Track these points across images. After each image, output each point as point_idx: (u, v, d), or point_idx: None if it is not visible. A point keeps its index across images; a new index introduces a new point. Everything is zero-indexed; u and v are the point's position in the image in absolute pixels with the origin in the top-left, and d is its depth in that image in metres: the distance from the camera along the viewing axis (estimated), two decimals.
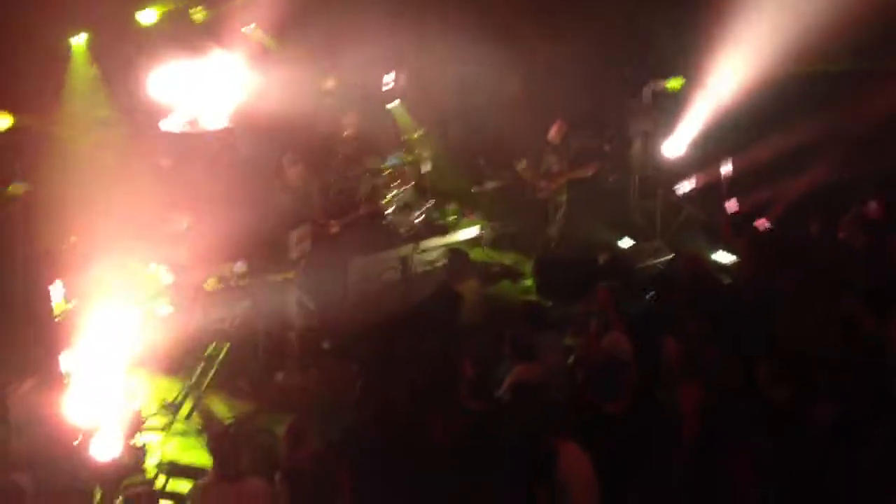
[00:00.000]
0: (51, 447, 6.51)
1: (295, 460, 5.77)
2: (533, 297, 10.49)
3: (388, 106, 12.98)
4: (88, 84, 10.62)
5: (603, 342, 7.27)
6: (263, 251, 9.38)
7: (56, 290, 7.85)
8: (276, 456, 6.55)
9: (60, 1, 10.05)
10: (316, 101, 12.24)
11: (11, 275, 6.51)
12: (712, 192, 11.85)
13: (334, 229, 10.77)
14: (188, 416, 8.18)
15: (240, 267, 9.05)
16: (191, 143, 11.05)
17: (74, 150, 10.24)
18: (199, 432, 7.85)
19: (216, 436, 5.86)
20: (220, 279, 8.79)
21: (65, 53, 10.55)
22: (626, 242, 11.90)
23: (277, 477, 5.76)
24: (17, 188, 8.33)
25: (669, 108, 12.34)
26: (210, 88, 11.22)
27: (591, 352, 7.36)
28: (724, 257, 10.76)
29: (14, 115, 9.41)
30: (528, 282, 11.18)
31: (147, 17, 10.71)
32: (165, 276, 8.46)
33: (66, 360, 7.34)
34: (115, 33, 10.45)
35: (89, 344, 7.33)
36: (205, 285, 8.71)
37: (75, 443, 6.59)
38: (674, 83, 12.03)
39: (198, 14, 11.16)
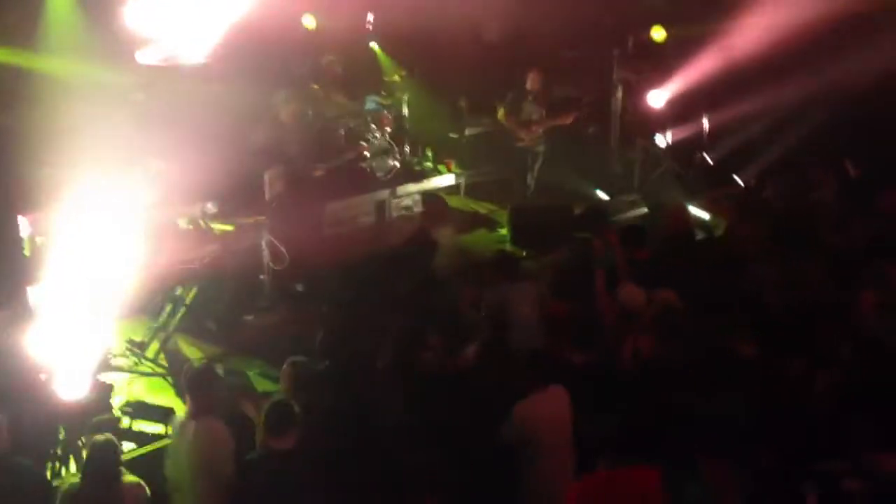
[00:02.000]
0: (18, 381, 6.47)
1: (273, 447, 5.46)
2: (507, 246, 10.49)
3: (371, 45, 12.83)
4: (65, 12, 10.35)
5: (619, 295, 7.21)
6: (236, 191, 9.30)
7: (25, 224, 7.75)
8: (246, 397, 6.58)
9: None
10: (296, 39, 12.01)
11: None
12: (692, 144, 11.89)
13: (318, 172, 10.68)
14: (155, 357, 8.16)
15: (210, 207, 8.95)
16: (166, 77, 10.83)
17: (48, 81, 10.01)
18: (166, 373, 7.85)
19: (192, 372, 5.81)
20: (191, 219, 8.69)
21: None
22: (603, 194, 11.90)
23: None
24: None
25: (652, 59, 12.25)
26: (188, 20, 10.98)
27: (604, 306, 7.28)
28: (701, 212, 10.80)
29: None
30: (504, 231, 11.17)
31: None
32: (135, 214, 8.33)
33: (35, 295, 7.28)
34: None
35: (57, 279, 7.26)
36: (176, 224, 8.61)
37: (42, 378, 6.56)
38: (657, 33, 11.90)
39: None
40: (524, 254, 10.13)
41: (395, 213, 11.31)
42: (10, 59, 9.58)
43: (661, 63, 12.03)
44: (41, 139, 8.80)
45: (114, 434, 5.40)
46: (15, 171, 7.45)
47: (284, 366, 6.10)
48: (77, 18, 10.31)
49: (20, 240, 6.90)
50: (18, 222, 7.32)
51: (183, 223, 8.69)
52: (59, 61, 9.99)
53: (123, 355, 7.95)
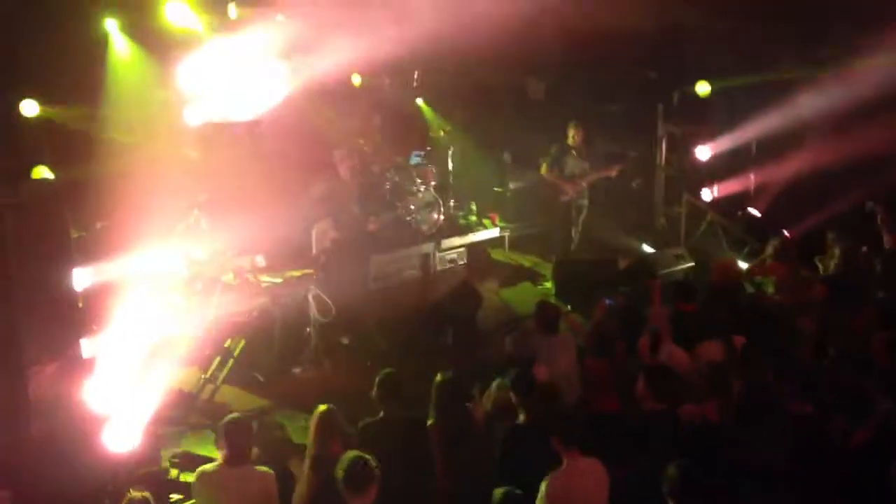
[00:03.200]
0: (69, 432, 6.58)
1: (324, 449, 5.75)
2: (551, 299, 10.48)
3: (417, 102, 13.05)
4: (125, 71, 10.69)
5: (663, 357, 7.19)
6: (284, 245, 9.44)
7: (80, 276, 7.93)
8: (285, 451, 6.60)
9: None
10: (345, 97, 12.24)
11: (36, 259, 6.57)
12: (738, 197, 11.86)
13: (372, 226, 10.82)
14: (203, 408, 8.24)
15: (259, 261, 9.09)
16: (218, 135, 11.09)
17: (104, 137, 10.30)
18: (214, 424, 7.90)
19: (229, 422, 5.87)
20: (238, 272, 8.83)
21: (98, 40, 10.62)
22: (648, 247, 11.87)
23: (306, 464, 5.77)
24: (42, 174, 8.41)
25: (697, 113, 12.30)
26: (240, 79, 11.27)
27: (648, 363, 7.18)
28: (746, 264, 10.71)
29: (43, 104, 9.50)
30: (548, 284, 11.17)
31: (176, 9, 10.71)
32: (186, 268, 8.50)
33: (88, 346, 7.42)
34: (144, 20, 10.51)
35: (110, 331, 7.40)
36: (224, 278, 8.75)
37: (93, 429, 6.66)
38: (702, 87, 11.96)
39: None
40: (568, 307, 10.11)
41: (439, 267, 11.36)
42: (68, 116, 9.86)
43: (706, 117, 12.07)
44: (97, 194, 9.02)
45: (161, 485, 5.46)
46: (70, 225, 7.61)
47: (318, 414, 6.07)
48: (136, 77, 10.60)
49: (74, 292, 7.04)
50: (73, 275, 7.48)
51: (231, 277, 8.81)
52: (115, 118, 10.26)
53: (173, 406, 8.02)
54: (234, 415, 6.05)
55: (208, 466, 5.78)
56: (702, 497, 5.18)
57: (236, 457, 5.64)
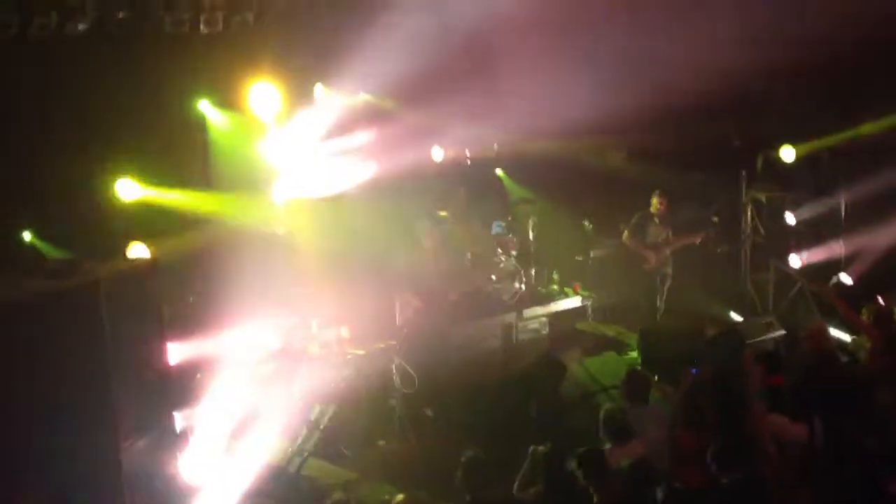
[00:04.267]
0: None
1: None
2: (640, 369, 10.31)
3: (497, 172, 13.19)
4: (218, 151, 11.09)
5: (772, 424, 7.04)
6: (369, 317, 9.56)
7: (173, 350, 8.14)
8: None
9: (183, 68, 10.55)
10: (427, 171, 12.44)
11: (130, 333, 6.79)
12: (828, 265, 11.56)
13: (453, 297, 10.88)
14: (293, 480, 8.29)
15: (344, 332, 9.21)
16: (304, 209, 11.36)
17: (198, 215, 10.62)
18: (304, 497, 7.95)
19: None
20: (324, 344, 8.96)
21: (193, 121, 11.07)
22: (736, 316, 11.62)
23: None
24: (138, 251, 8.72)
25: (783, 178, 12.12)
26: (322, 154, 11.58)
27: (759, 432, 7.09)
28: (842, 334, 10.39)
29: (141, 184, 9.88)
30: (634, 354, 11.01)
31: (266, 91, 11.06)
32: (274, 340, 8.67)
33: (181, 419, 7.58)
34: (234, 100, 10.91)
35: (202, 403, 7.56)
36: (310, 350, 8.89)
37: (185, 502, 6.78)
38: (786, 152, 11.79)
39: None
40: (656, 378, 9.92)
41: (521, 337, 11.30)
42: (165, 198, 10.21)
43: (792, 182, 11.88)
44: (190, 268, 9.31)
45: None
46: (163, 300, 7.85)
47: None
48: (230, 155, 10.98)
49: (168, 365, 7.24)
50: (166, 349, 7.68)
51: (318, 349, 8.94)
52: (210, 197, 10.61)
53: (263, 478, 8.09)
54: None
55: None
56: None
57: None
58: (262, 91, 10.60)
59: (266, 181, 11.00)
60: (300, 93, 11.25)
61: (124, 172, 9.96)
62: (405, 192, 11.63)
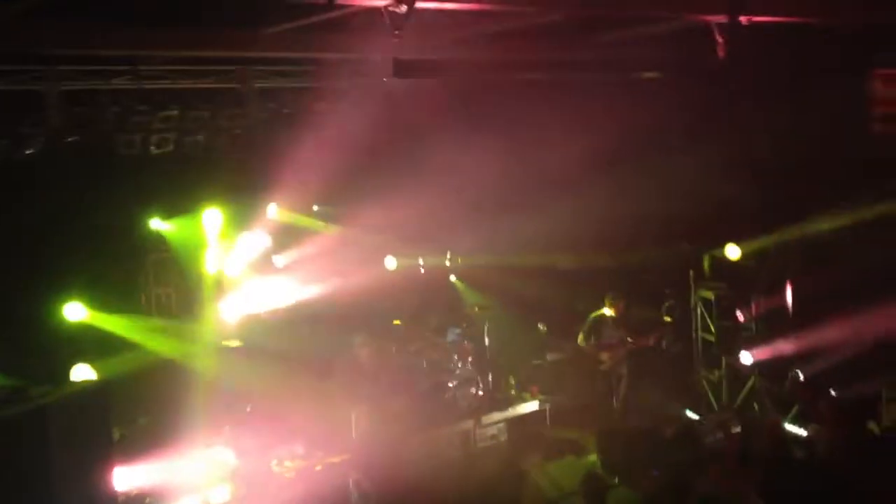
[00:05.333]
0: None
1: None
2: (598, 472, 10.24)
3: (451, 279, 13.29)
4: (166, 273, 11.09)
5: None
6: (323, 432, 9.45)
7: (123, 475, 7.95)
8: None
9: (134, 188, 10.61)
10: (377, 279, 12.52)
11: (77, 458, 6.64)
12: (779, 361, 11.69)
13: (394, 406, 10.79)
14: None
15: (298, 449, 9.10)
16: (257, 323, 11.35)
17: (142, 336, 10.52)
18: None
19: None
20: (281, 461, 8.82)
21: (143, 241, 11.08)
22: (691, 414, 11.66)
23: None
24: (83, 373, 8.60)
25: (730, 277, 12.34)
26: (273, 269, 11.66)
27: None
28: (796, 429, 10.46)
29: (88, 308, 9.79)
30: (592, 457, 10.94)
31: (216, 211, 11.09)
32: (230, 460, 8.53)
33: None
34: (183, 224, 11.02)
35: None
36: (273, 467, 8.74)
37: None
38: (732, 251, 12.06)
39: None
40: (615, 480, 9.85)
41: (481, 444, 11.21)
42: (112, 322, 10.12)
43: (740, 279, 12.10)
44: (139, 391, 9.18)
45: None
46: (111, 424, 7.71)
47: None
48: (177, 276, 10.98)
49: (114, 491, 7.06)
50: (113, 474, 7.51)
51: (274, 466, 8.80)
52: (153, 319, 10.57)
53: None
54: None
55: None
56: None
57: None
58: (213, 211, 10.69)
59: (218, 297, 10.98)
60: (251, 211, 11.36)
61: (72, 295, 9.88)
62: (357, 303, 11.66)
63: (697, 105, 11.30)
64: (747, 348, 11.83)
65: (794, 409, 11.10)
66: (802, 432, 10.44)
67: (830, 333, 11.04)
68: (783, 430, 9.75)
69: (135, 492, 7.83)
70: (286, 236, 12.04)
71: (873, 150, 11.30)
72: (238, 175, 11.25)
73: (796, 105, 11.41)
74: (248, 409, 9.20)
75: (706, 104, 11.15)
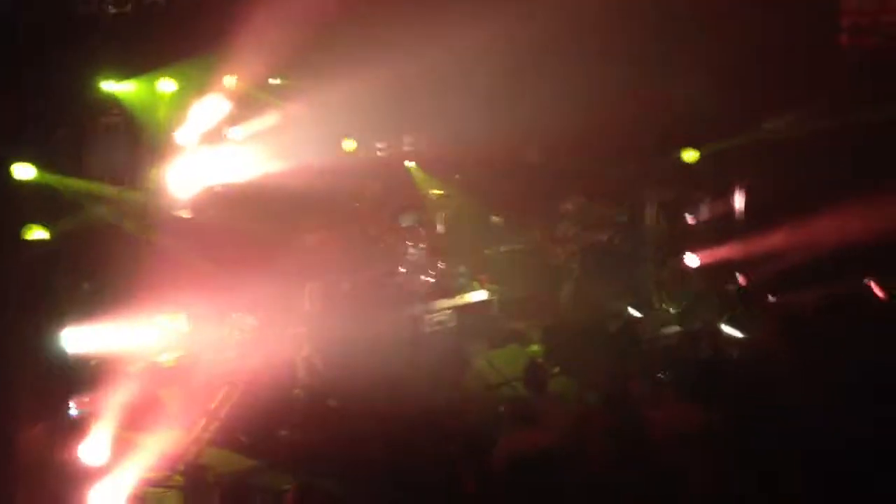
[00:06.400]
0: (56, 494, 6.56)
1: None
2: (538, 361, 10.50)
3: (407, 164, 13.23)
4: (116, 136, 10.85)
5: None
6: (277, 304, 9.51)
7: (68, 337, 7.97)
8: None
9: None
10: (337, 162, 12.42)
11: (22, 322, 6.63)
12: (726, 264, 11.94)
13: (346, 286, 10.87)
14: (188, 469, 8.19)
15: (252, 319, 9.16)
16: (213, 195, 11.23)
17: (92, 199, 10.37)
18: (197, 486, 7.86)
19: (228, 485, 5.86)
20: (232, 331, 8.89)
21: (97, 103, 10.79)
22: (636, 311, 11.92)
23: None
24: (35, 234, 8.49)
25: (687, 179, 12.46)
26: (230, 141, 11.48)
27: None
28: (733, 330, 10.76)
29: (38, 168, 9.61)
30: (536, 347, 11.20)
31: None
32: (183, 326, 8.56)
33: (76, 407, 7.43)
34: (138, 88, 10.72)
35: (99, 392, 7.43)
36: (217, 335, 8.80)
37: (78, 490, 6.65)
38: (689, 154, 12.15)
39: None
40: (556, 369, 10.12)
41: (429, 328, 11.39)
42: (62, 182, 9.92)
43: (695, 183, 12.22)
44: (87, 253, 9.11)
45: None
46: (57, 285, 7.70)
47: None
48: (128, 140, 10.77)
49: (64, 354, 7.10)
50: (60, 336, 7.54)
51: (224, 334, 8.86)
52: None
53: (158, 467, 7.98)
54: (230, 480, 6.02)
55: None
56: None
57: None
58: (168, 77, 10.43)
59: (173, 166, 10.82)
60: (207, 79, 11.09)
61: (23, 156, 9.65)
62: (313, 182, 11.58)
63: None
64: (694, 251, 12.05)
65: (734, 312, 11.40)
66: (739, 334, 10.77)
67: (777, 239, 11.28)
68: (721, 331, 10.02)
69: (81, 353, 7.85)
70: (242, 108, 11.81)
71: (837, 59, 11.34)
72: (195, 41, 10.93)
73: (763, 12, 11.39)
74: (202, 279, 9.18)
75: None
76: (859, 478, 6.16)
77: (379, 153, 12.95)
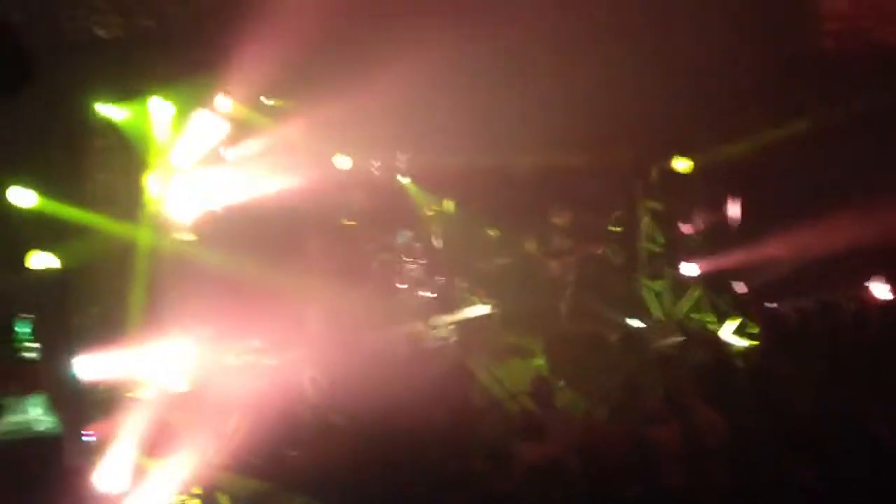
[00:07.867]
0: None
1: None
2: (544, 375, 10.51)
3: (402, 181, 13.24)
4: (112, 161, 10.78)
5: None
6: (281, 326, 9.49)
7: (80, 363, 7.93)
8: None
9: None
10: (329, 179, 12.41)
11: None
12: (723, 272, 12.04)
13: (347, 305, 10.87)
14: (202, 494, 8.14)
15: (257, 343, 9.14)
16: (211, 219, 11.19)
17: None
18: None
19: None
20: (238, 355, 8.86)
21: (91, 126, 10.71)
22: (635, 321, 11.98)
23: None
24: (40, 261, 8.42)
25: (678, 188, 12.55)
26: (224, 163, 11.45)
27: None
28: (735, 339, 10.85)
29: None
30: (539, 360, 11.22)
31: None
32: (188, 352, 8.53)
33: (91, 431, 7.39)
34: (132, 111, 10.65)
35: (111, 418, 7.38)
36: (224, 361, 8.78)
37: None
38: (680, 163, 12.24)
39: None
40: (561, 383, 10.15)
41: (430, 345, 11.39)
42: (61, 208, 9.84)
43: (687, 192, 12.32)
44: (94, 279, 9.04)
45: None
46: (70, 311, 7.66)
47: None
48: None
49: (76, 380, 7.06)
50: (70, 362, 7.49)
51: (231, 359, 8.84)
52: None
53: (172, 492, 7.93)
54: None
55: None
56: None
57: None
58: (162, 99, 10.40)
59: (171, 189, 10.76)
60: (203, 102, 11.05)
61: (19, 180, 9.55)
62: (308, 201, 11.56)
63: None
64: (690, 260, 12.15)
65: (733, 320, 11.50)
66: (740, 342, 10.87)
67: (772, 248, 11.39)
68: (721, 340, 10.10)
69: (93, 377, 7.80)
70: (236, 129, 11.78)
71: (826, 67, 11.48)
72: (187, 63, 10.90)
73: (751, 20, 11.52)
74: (205, 303, 9.15)
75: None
76: (864, 481, 6.24)
77: (374, 171, 12.93)
